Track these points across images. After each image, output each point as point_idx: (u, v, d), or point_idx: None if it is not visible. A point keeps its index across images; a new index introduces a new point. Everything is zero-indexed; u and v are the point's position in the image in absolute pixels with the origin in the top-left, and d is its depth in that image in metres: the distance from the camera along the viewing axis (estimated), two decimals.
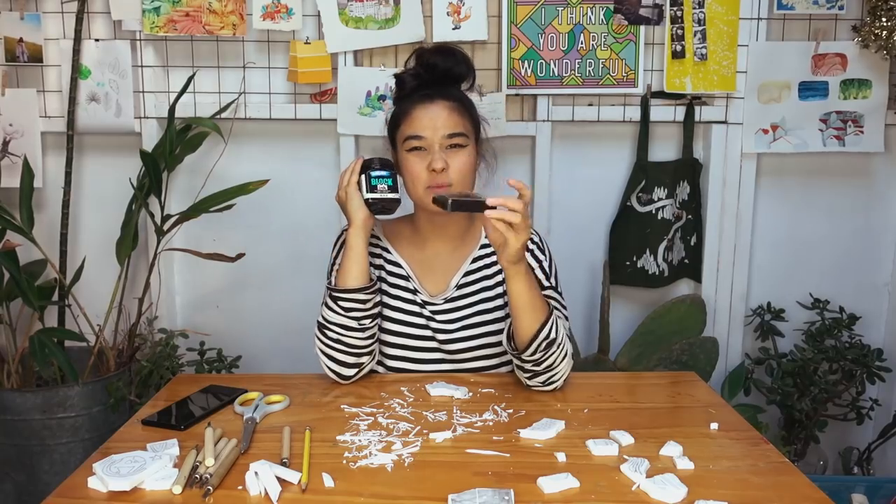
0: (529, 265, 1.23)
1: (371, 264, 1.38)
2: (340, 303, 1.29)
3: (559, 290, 1.39)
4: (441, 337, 1.37)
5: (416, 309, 1.38)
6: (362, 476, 0.95)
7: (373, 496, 0.90)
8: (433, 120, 1.31)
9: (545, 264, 1.40)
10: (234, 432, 1.06)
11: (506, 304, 1.40)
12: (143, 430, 1.11)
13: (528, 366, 1.24)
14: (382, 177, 1.32)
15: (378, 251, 1.43)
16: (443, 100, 1.33)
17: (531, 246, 1.40)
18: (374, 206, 1.32)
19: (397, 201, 1.33)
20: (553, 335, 1.23)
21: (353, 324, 1.29)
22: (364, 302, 1.29)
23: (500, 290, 1.40)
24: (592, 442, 1.03)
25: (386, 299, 1.39)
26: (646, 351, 1.98)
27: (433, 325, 1.37)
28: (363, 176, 1.32)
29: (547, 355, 1.22)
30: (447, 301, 1.39)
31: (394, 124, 1.37)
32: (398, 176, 1.35)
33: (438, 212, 1.26)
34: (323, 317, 1.31)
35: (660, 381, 1.34)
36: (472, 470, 0.97)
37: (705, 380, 1.75)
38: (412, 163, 1.32)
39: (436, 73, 1.35)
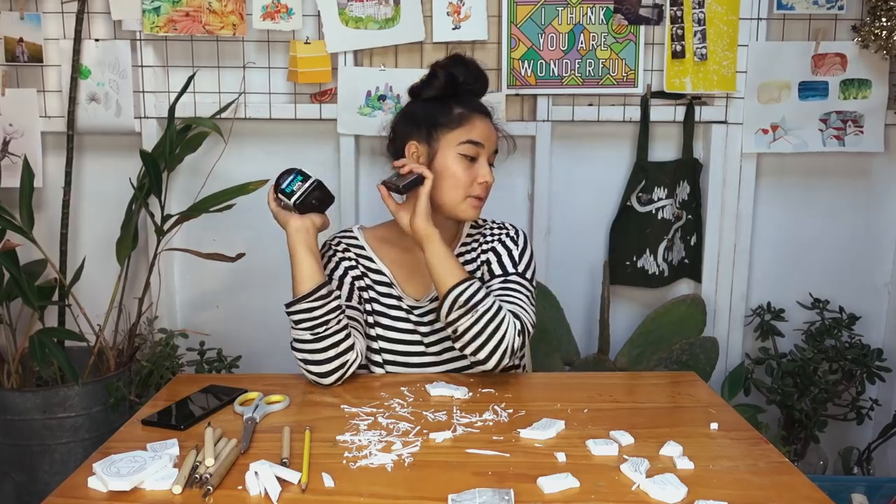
0: (439, 235, 1.28)
1: (354, 276, 1.40)
2: (292, 317, 1.27)
3: (528, 279, 1.39)
4: (427, 340, 1.38)
5: (402, 315, 1.39)
6: (362, 476, 0.95)
7: (373, 496, 0.90)
8: (489, 132, 1.38)
9: (515, 253, 1.41)
10: (234, 432, 1.06)
11: None
12: (143, 430, 1.11)
13: (448, 330, 1.26)
14: (291, 180, 1.30)
15: (361, 260, 1.43)
16: (489, 118, 1.40)
17: (500, 232, 1.44)
18: (306, 204, 1.30)
19: (318, 184, 1.31)
20: (472, 297, 1.22)
21: (307, 335, 1.26)
22: (310, 311, 1.25)
23: None
24: (592, 442, 1.03)
25: (376, 307, 1.40)
26: (646, 351, 1.98)
27: (421, 329, 1.39)
28: (278, 194, 1.31)
29: (465, 320, 1.22)
30: (432, 301, 1.40)
31: (446, 122, 1.36)
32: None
33: (461, 217, 1.36)
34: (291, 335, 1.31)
35: (660, 381, 1.34)
36: (472, 470, 0.96)
37: (705, 380, 1.75)
38: (462, 167, 1.34)
39: (458, 91, 1.39)
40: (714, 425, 1.11)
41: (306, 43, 1.94)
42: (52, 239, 1.97)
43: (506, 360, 1.25)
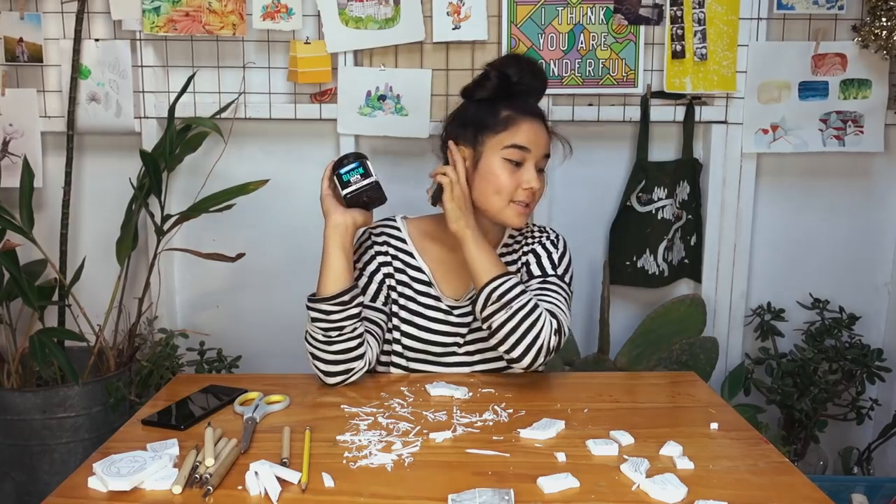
0: (476, 234, 1.29)
1: (386, 273, 1.38)
2: (310, 313, 1.26)
3: (567, 282, 1.39)
4: (465, 339, 1.38)
5: (440, 316, 1.38)
6: (362, 476, 0.95)
7: (373, 496, 0.90)
8: (538, 136, 1.34)
9: (554, 256, 1.40)
10: (234, 432, 1.06)
11: None
12: (143, 430, 1.11)
13: (484, 325, 1.25)
14: (352, 169, 1.29)
15: (401, 255, 1.41)
16: (541, 120, 1.36)
17: (541, 235, 1.43)
18: (357, 199, 1.29)
19: (376, 185, 1.29)
20: (507, 293, 1.21)
21: (319, 335, 1.25)
22: (328, 313, 1.24)
23: None
24: (592, 442, 1.03)
25: (411, 305, 1.39)
26: (646, 351, 1.98)
27: (461, 330, 1.38)
28: (335, 177, 1.30)
29: (499, 315, 1.21)
30: (472, 302, 1.39)
31: (491, 125, 1.33)
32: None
33: (507, 223, 1.35)
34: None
35: (660, 381, 1.34)
36: (472, 470, 0.97)
37: (705, 380, 1.75)
38: (506, 172, 1.32)
39: (513, 92, 1.36)
40: (714, 425, 1.11)
41: (306, 43, 1.94)
42: (52, 239, 1.96)
43: (541, 359, 1.23)
